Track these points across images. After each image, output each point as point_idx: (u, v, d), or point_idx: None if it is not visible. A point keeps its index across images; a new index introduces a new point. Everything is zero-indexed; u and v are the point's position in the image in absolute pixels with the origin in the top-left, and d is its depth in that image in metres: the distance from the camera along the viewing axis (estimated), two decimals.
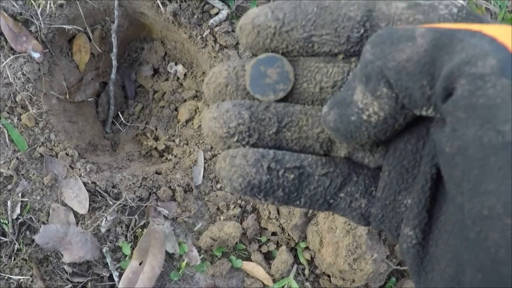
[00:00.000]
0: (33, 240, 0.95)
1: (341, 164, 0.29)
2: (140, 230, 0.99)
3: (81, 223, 0.98)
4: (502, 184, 0.18)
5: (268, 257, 1.06)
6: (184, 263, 0.99)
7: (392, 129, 0.25)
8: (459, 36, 0.22)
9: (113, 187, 0.99)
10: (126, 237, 0.99)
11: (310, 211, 1.02)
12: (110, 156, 1.12)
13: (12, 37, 0.98)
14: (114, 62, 1.13)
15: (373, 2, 0.27)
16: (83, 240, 0.95)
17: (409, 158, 0.26)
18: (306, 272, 1.05)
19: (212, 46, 1.06)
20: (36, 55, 1.00)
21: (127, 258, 0.98)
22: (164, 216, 1.01)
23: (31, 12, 1.00)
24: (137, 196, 0.99)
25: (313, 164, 0.28)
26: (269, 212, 1.03)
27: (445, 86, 0.21)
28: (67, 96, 1.09)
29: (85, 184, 0.98)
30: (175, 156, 1.10)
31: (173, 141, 1.13)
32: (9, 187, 0.96)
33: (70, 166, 0.99)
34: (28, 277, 0.94)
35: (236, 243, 1.02)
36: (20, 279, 0.94)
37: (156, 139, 1.17)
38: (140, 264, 0.97)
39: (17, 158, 0.96)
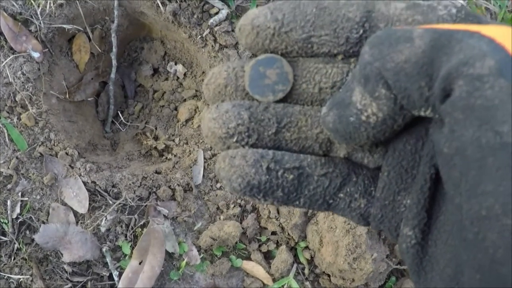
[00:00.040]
0: (33, 240, 0.95)
1: (340, 165, 0.29)
2: (140, 229, 0.99)
3: (81, 223, 0.98)
4: (500, 185, 0.18)
5: (268, 256, 1.06)
6: (184, 263, 0.99)
7: (391, 130, 0.25)
8: (457, 37, 0.22)
9: (113, 186, 0.99)
10: (126, 236, 0.99)
11: (310, 210, 1.02)
12: (110, 155, 1.12)
13: (12, 37, 0.98)
14: (114, 62, 1.13)
15: (372, 3, 0.27)
16: (83, 240, 0.95)
17: (408, 159, 0.26)
18: (306, 271, 1.05)
19: (212, 46, 1.06)
20: (35, 55, 1.00)
21: (127, 257, 0.98)
22: (164, 215, 1.01)
23: (31, 12, 1.00)
24: (137, 196, 0.99)
25: (313, 165, 0.28)
26: (269, 212, 1.03)
27: (443, 87, 0.21)
28: (67, 96, 1.09)
29: (85, 183, 0.98)
30: (175, 156, 1.10)
31: (173, 140, 1.13)
32: (9, 186, 0.96)
33: (70, 165, 0.99)
34: (28, 276, 0.94)
35: (236, 243, 1.02)
36: (20, 278, 0.94)
37: (156, 138, 1.17)
38: (140, 263, 0.97)
39: (17, 158, 0.96)
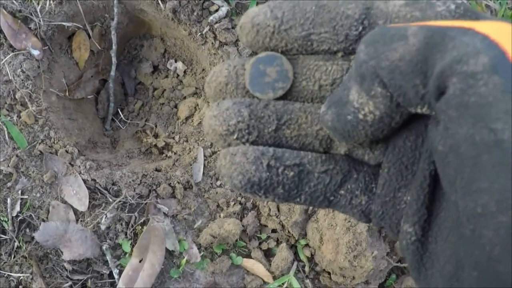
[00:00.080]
0: (33, 238, 0.95)
1: (341, 161, 0.29)
2: (140, 227, 0.99)
3: (81, 221, 0.98)
4: (494, 182, 0.18)
5: (268, 254, 1.06)
6: (184, 261, 0.99)
7: (389, 127, 0.25)
8: (451, 34, 0.22)
9: (113, 184, 0.99)
10: (126, 234, 0.99)
11: (310, 208, 1.02)
12: (110, 153, 1.12)
13: (12, 35, 0.98)
14: (114, 59, 1.13)
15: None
16: (83, 238, 0.96)
17: (408, 155, 0.26)
18: (306, 269, 1.05)
19: (212, 43, 1.06)
20: (35, 53, 1.00)
21: (127, 255, 0.99)
22: (164, 213, 1.01)
23: (31, 9, 1.00)
24: (137, 193, 0.99)
25: (313, 162, 0.29)
26: (269, 209, 1.03)
27: (438, 85, 0.21)
28: (67, 94, 1.09)
29: (85, 181, 0.98)
30: (175, 153, 1.10)
31: (173, 138, 1.13)
32: (9, 184, 0.96)
33: (69, 163, 0.99)
34: (28, 274, 0.95)
35: (236, 240, 1.02)
36: (20, 276, 0.94)
37: (156, 136, 1.17)
38: (140, 261, 0.97)
39: (17, 156, 0.96)
